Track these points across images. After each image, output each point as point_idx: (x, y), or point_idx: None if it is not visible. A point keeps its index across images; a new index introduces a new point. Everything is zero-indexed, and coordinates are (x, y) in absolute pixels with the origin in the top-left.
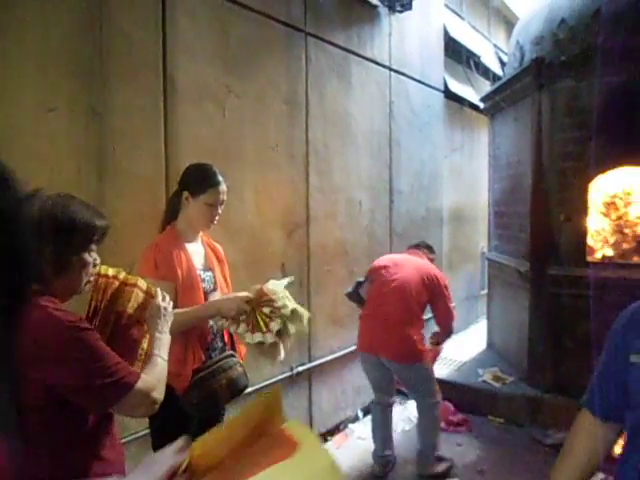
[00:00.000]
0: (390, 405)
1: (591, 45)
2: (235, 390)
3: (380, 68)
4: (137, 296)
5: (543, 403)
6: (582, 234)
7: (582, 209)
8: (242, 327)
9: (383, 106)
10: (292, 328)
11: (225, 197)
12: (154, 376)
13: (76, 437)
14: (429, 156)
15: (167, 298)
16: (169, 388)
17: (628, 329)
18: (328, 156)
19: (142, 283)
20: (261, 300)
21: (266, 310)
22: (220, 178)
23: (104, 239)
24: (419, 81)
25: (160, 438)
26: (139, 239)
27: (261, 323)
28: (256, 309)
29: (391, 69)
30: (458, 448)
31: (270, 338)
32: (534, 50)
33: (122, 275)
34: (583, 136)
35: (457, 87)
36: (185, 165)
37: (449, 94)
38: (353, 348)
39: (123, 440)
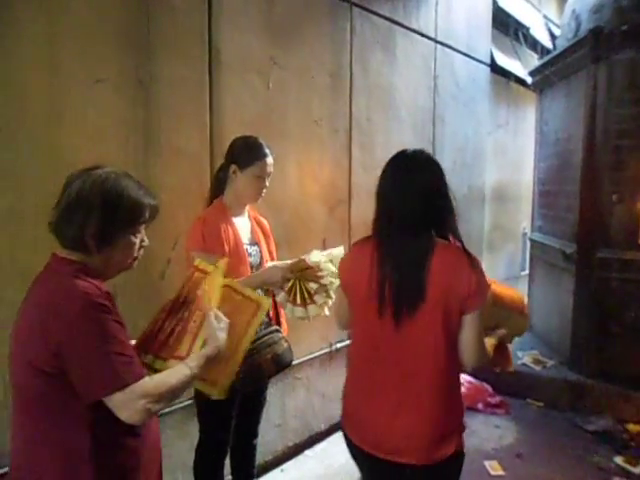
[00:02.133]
0: None
1: None
2: (280, 365)
3: (425, 40)
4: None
5: (585, 388)
6: (636, 216)
7: (637, 189)
8: (282, 295)
9: (428, 80)
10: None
11: (272, 169)
12: (160, 385)
13: (78, 414)
14: (473, 132)
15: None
16: None
17: None
18: (371, 131)
19: (235, 284)
20: (305, 272)
21: (313, 286)
22: (267, 150)
23: (152, 220)
24: (465, 54)
25: (205, 408)
26: (184, 213)
27: (305, 295)
28: (301, 281)
29: (437, 41)
30: (496, 430)
31: (314, 310)
32: (592, 19)
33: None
34: None
35: (504, 61)
36: (229, 138)
37: (496, 68)
38: None
39: (168, 410)
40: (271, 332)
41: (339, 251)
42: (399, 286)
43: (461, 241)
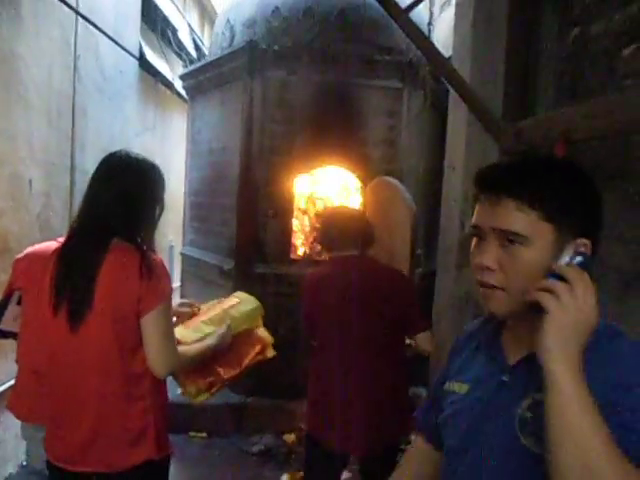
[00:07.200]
0: None
1: (302, 41)
2: None
3: (64, 7)
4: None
5: (247, 409)
6: (287, 231)
7: (288, 205)
8: None
9: (67, 59)
10: None
11: None
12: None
13: None
14: (120, 132)
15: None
16: None
17: (451, 353)
18: None
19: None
20: None
21: None
22: None
23: None
24: (112, 39)
25: None
26: None
27: None
28: None
29: (78, 13)
30: None
31: None
32: (246, 33)
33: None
34: (292, 130)
35: (153, 58)
36: None
37: (145, 64)
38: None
39: None
40: None
41: None
42: (70, 294)
43: (152, 250)
